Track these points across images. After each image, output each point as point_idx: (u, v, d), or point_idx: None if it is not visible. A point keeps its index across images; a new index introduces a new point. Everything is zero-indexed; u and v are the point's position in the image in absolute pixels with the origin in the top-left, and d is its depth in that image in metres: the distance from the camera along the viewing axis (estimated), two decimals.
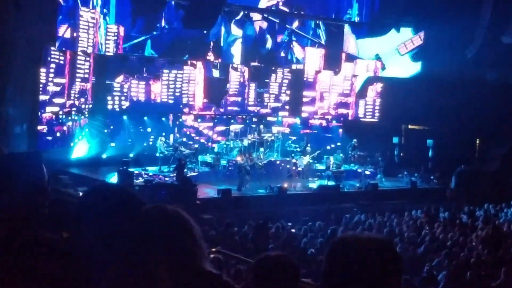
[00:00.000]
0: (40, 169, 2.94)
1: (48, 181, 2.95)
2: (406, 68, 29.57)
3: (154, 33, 24.84)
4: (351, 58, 29.26)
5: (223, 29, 25.83)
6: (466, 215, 19.17)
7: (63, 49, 22.25)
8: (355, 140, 26.56)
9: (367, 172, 25.68)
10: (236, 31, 26.58)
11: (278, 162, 24.97)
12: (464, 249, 13.83)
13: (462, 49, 27.46)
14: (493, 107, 26.19)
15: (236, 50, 26.65)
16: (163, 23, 24.94)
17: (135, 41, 24.49)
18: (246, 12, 26.10)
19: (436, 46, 27.35)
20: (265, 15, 26.84)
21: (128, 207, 2.61)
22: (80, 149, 23.48)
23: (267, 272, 2.98)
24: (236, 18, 26.36)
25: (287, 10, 27.84)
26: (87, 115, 23.68)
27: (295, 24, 28.00)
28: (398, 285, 2.24)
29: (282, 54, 28.24)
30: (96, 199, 2.68)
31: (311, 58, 28.30)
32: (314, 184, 23.70)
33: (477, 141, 28.78)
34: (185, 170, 21.59)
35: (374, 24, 28.73)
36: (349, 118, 29.67)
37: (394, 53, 29.35)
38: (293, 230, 15.39)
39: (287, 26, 27.66)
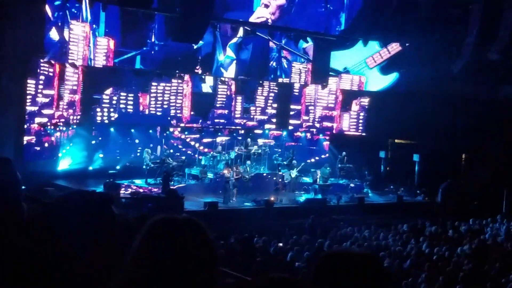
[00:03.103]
0: (12, 175, 3.01)
1: (25, 189, 3.01)
2: (376, 82, 29.86)
3: (144, 48, 24.96)
4: (336, 72, 29.49)
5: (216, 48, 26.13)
6: (452, 230, 19.25)
7: (52, 61, 22.25)
8: (344, 153, 26.72)
9: (352, 185, 25.79)
10: (231, 53, 26.88)
11: (264, 175, 24.99)
12: (450, 264, 13.89)
13: (448, 65, 27.70)
14: (479, 122, 26.41)
15: (230, 69, 26.96)
16: (153, 39, 25.05)
17: (125, 56, 24.57)
18: (236, 28, 26.31)
19: (421, 61, 27.58)
20: (254, 30, 26.94)
21: (99, 215, 2.67)
22: (67, 161, 23.38)
23: None
24: (231, 42, 26.61)
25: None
26: (75, 127, 23.63)
27: (284, 40, 28.21)
28: None
29: (274, 64, 28.53)
30: (68, 205, 2.72)
31: (297, 72, 28.45)
32: (301, 198, 23.72)
33: (463, 156, 28.98)
34: (171, 182, 21.64)
35: (345, 38, 28.91)
36: (334, 131, 29.84)
37: (362, 67, 29.53)
38: (280, 244, 15.35)
39: (276, 42, 27.85)
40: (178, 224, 2.18)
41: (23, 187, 3.27)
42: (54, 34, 22.43)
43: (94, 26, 23.47)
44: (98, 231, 2.64)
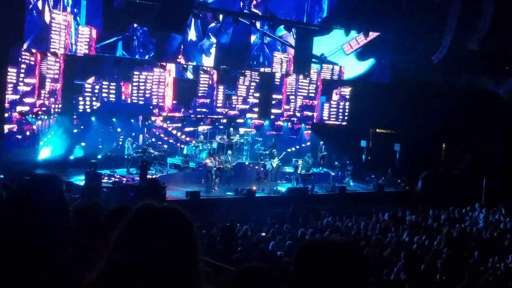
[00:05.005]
0: None
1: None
2: (353, 68, 29.81)
3: (126, 34, 24.74)
4: (318, 59, 29.47)
5: (194, 33, 25.89)
6: (431, 218, 19.44)
7: (32, 50, 22.03)
8: (322, 142, 26.84)
9: (333, 174, 25.92)
10: (211, 37, 26.70)
11: (246, 164, 25.02)
12: (429, 252, 14.04)
13: (429, 55, 27.85)
14: (459, 112, 26.62)
15: (211, 55, 26.81)
16: (135, 25, 24.81)
17: (106, 41, 24.34)
18: (217, 14, 26.15)
19: (402, 51, 27.70)
20: (236, 19, 26.81)
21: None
22: (48, 150, 23.20)
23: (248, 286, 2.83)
24: (210, 26, 26.44)
25: (259, 13, 27.97)
26: (56, 115, 23.45)
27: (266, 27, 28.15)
28: (365, 287, 2.30)
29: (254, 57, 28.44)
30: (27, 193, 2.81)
31: (278, 62, 28.41)
32: (282, 187, 23.79)
33: (443, 146, 29.21)
34: (153, 171, 21.57)
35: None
36: (314, 120, 29.88)
37: (339, 53, 29.50)
38: (263, 234, 15.40)
39: (258, 28, 27.77)
40: (161, 212, 2.18)
41: (1, 176, 3.37)
42: (35, 22, 22.20)
43: (75, 10, 23.22)
44: (53, 211, 2.72)
